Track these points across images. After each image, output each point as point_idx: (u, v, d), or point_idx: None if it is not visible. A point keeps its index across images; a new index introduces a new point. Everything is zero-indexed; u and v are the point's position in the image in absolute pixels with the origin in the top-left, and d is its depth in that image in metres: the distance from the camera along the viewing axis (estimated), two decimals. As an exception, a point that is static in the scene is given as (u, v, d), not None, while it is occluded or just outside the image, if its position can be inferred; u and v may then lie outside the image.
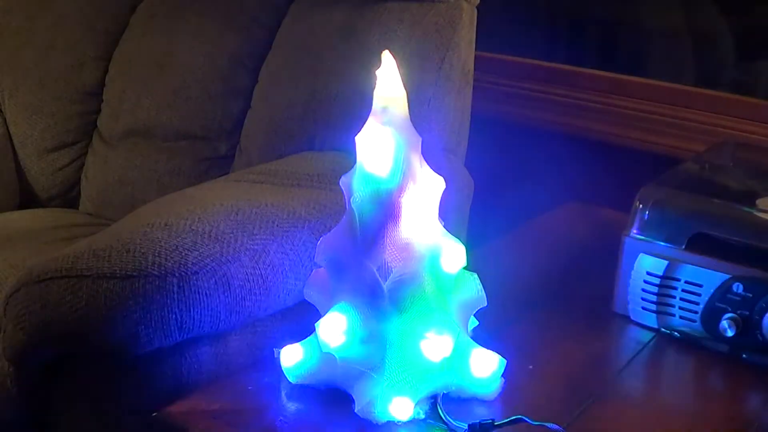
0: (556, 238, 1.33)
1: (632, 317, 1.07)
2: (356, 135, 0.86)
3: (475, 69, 1.47)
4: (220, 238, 1.03)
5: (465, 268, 0.90)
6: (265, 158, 1.38)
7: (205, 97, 1.53)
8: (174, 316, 0.97)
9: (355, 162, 0.88)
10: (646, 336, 1.05)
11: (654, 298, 1.04)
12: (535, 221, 1.38)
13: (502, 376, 0.92)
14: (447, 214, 0.91)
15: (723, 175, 1.18)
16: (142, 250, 0.98)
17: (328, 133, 1.39)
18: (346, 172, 0.88)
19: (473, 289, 0.91)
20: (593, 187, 1.50)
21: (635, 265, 1.05)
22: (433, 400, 0.89)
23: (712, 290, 1.00)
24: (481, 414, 0.87)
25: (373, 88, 0.84)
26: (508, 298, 1.06)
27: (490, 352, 0.91)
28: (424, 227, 0.87)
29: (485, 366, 0.90)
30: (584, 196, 1.44)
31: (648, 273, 1.04)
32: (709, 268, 1.00)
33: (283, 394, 0.92)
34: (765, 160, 1.30)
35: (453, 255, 0.88)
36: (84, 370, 1.01)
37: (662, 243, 1.04)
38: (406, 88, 0.85)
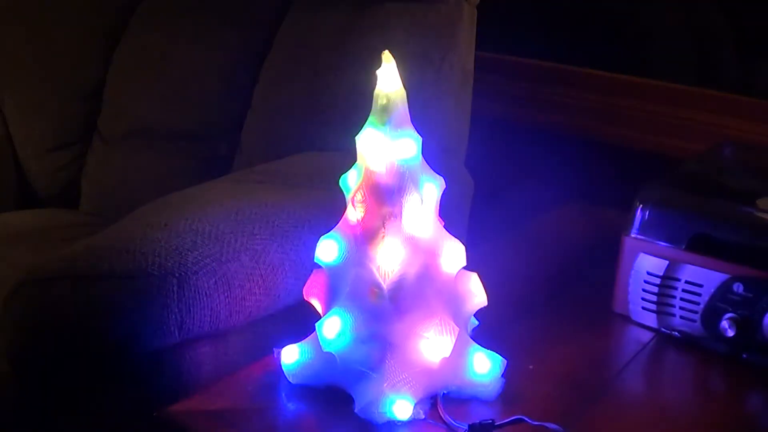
0: (556, 238, 1.33)
1: (632, 317, 1.07)
2: (356, 135, 0.86)
3: (475, 69, 1.46)
4: (220, 238, 1.03)
5: (465, 267, 0.90)
6: (265, 158, 1.38)
7: (205, 97, 1.53)
8: (174, 316, 0.97)
9: (354, 162, 0.88)
10: (646, 336, 1.05)
11: (654, 298, 1.04)
12: (535, 221, 1.38)
13: (502, 376, 0.91)
14: (447, 214, 0.91)
15: (723, 175, 1.18)
16: (142, 250, 0.98)
17: (328, 133, 1.39)
18: (346, 172, 0.88)
19: (473, 288, 0.91)
20: (593, 187, 1.50)
21: (635, 265, 1.05)
22: (433, 400, 0.89)
23: (712, 290, 1.00)
24: (481, 414, 0.87)
25: (372, 88, 0.84)
26: (508, 298, 1.06)
27: (490, 352, 0.91)
28: (424, 227, 0.87)
29: (485, 366, 0.90)
30: (584, 196, 1.44)
31: (648, 273, 1.04)
32: (709, 268, 1.00)
33: (283, 394, 0.92)
34: (765, 160, 1.30)
35: (453, 255, 0.88)
36: (84, 370, 1.01)
37: (662, 243, 1.04)
38: (405, 88, 0.85)
